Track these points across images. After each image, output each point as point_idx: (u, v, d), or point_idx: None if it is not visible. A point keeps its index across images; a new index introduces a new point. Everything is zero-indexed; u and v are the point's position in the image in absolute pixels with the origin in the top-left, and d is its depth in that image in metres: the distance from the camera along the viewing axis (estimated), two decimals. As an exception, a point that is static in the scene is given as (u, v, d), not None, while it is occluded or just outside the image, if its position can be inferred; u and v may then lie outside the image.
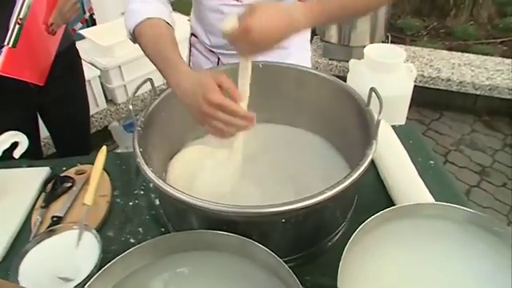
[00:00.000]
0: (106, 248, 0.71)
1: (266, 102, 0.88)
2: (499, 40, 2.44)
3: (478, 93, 1.87)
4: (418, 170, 0.81)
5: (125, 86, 1.75)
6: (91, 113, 1.72)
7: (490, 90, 1.85)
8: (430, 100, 2.16)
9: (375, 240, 0.58)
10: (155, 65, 0.73)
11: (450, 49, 2.37)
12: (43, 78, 1.02)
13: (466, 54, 2.06)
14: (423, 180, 0.79)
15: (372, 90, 0.67)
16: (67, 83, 1.14)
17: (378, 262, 0.58)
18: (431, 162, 0.89)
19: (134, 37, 0.78)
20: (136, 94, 0.68)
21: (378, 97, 0.64)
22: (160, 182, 0.56)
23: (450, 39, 2.53)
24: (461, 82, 1.87)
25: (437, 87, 1.94)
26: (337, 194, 0.55)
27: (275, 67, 0.86)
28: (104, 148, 0.70)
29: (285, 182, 0.74)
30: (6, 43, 0.87)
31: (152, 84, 0.73)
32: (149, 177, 0.57)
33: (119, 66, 1.69)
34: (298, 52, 1.00)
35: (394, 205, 0.76)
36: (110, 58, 1.68)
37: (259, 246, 0.51)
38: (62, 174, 0.86)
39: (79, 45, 1.62)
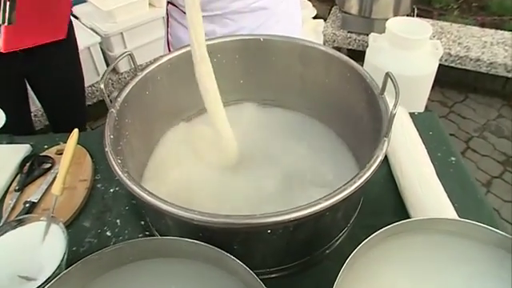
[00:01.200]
0: (81, 241, 0.65)
1: (263, 80, 0.78)
2: (539, 16, 2.21)
3: (509, 75, 1.71)
4: (436, 167, 0.71)
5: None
6: (91, 82, 1.64)
7: (524, 72, 1.68)
8: (455, 80, 2.00)
9: (379, 257, 0.50)
10: None
11: (482, 25, 2.17)
12: (63, 30, 0.94)
13: (500, 32, 1.87)
14: (441, 181, 0.69)
15: (388, 75, 0.56)
16: (56, 48, 1.05)
17: (380, 283, 0.49)
18: (452, 158, 0.78)
19: None
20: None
21: (395, 85, 0.53)
22: (128, 180, 0.48)
23: (484, 14, 2.31)
24: (491, 63, 1.70)
25: (464, 67, 1.77)
26: (336, 203, 0.46)
27: (277, 42, 0.75)
28: (75, 132, 0.62)
29: (281, 180, 0.64)
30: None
31: (133, 59, 0.63)
32: (115, 170, 0.49)
33: (121, 33, 1.59)
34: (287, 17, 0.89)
35: (405, 206, 0.67)
36: (112, 24, 1.58)
37: (229, 256, 0.43)
38: (41, 154, 0.79)
39: (79, 9, 1.53)
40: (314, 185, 0.65)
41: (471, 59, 1.74)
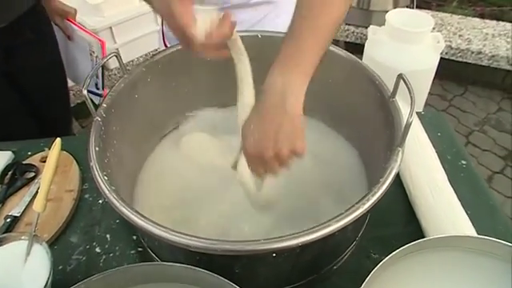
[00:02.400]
0: (67, 258, 0.60)
1: (261, 80, 0.73)
2: (539, 6, 2.17)
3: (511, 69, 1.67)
4: (446, 171, 0.67)
5: (117, 49, 1.58)
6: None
7: (526, 65, 1.64)
8: (454, 73, 1.95)
9: (398, 275, 0.45)
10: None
11: (481, 15, 2.12)
12: None
13: (502, 23, 1.82)
14: (452, 186, 0.64)
15: (401, 77, 0.52)
16: (38, 48, 0.99)
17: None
18: (463, 162, 0.74)
19: None
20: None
21: (410, 89, 0.49)
22: (116, 201, 0.43)
23: (483, 4, 2.27)
24: (493, 56, 1.66)
25: (465, 61, 1.73)
26: (348, 224, 0.41)
27: (276, 39, 0.70)
28: (57, 141, 0.57)
29: (286, 187, 0.60)
30: None
31: (119, 60, 0.57)
32: (102, 189, 0.44)
33: (110, 27, 1.52)
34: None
35: (416, 216, 0.62)
36: (100, 18, 1.50)
37: (230, 284, 0.39)
38: (24, 162, 0.74)
39: (64, 1, 1.44)
40: (321, 192, 0.61)
41: (472, 52, 1.69)
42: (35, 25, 0.95)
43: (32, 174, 0.71)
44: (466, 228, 0.57)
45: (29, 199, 0.67)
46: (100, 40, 1.01)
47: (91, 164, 0.47)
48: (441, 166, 0.66)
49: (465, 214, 0.59)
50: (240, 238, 0.54)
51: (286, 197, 0.60)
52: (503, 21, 1.97)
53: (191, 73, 0.70)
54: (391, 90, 0.55)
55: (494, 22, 1.84)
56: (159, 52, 0.65)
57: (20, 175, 0.70)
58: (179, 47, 0.66)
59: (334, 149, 0.67)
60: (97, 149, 0.49)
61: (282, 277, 0.50)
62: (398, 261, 0.45)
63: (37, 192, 0.67)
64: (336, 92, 0.67)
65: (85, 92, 0.50)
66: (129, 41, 1.59)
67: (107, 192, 0.43)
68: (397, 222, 0.63)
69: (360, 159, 0.65)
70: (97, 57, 1.03)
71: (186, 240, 0.38)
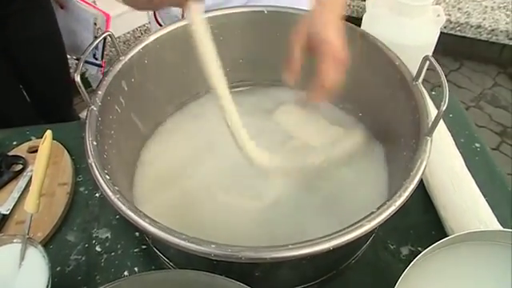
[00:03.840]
0: (65, 259, 0.55)
1: (266, 59, 0.68)
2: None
3: (511, 43, 1.63)
4: (461, 155, 0.64)
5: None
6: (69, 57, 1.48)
7: (526, 39, 1.61)
8: (450, 47, 1.91)
9: (426, 276, 0.43)
10: None
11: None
12: None
13: (502, -5, 1.78)
14: (469, 171, 0.62)
15: (427, 59, 0.47)
16: (32, 19, 0.90)
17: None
18: (477, 144, 0.71)
19: None
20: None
21: (440, 72, 0.44)
22: (123, 206, 0.38)
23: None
24: (493, 30, 1.62)
25: (464, 35, 1.69)
26: (377, 225, 0.38)
27: (283, 14, 0.64)
28: (48, 133, 0.51)
29: (298, 182, 0.56)
30: None
31: (113, 41, 0.51)
32: (105, 193, 0.39)
33: (94, 1, 1.42)
34: None
35: (433, 205, 0.60)
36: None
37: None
38: (10, 153, 0.68)
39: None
40: (340, 185, 0.57)
41: (472, 26, 1.65)
42: None
43: (20, 167, 0.65)
44: (488, 218, 0.54)
45: (18, 195, 0.61)
46: (105, 13, 0.96)
47: (90, 162, 0.42)
48: (458, 153, 0.63)
49: (485, 202, 0.57)
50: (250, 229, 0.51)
51: (299, 184, 0.57)
52: (502, -8, 1.92)
53: (190, 52, 0.64)
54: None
55: (493, -6, 1.79)
56: (156, 31, 0.59)
57: (6, 168, 0.65)
58: (176, 25, 0.60)
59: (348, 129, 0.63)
60: (95, 143, 0.43)
61: (303, 276, 0.47)
62: (434, 255, 0.42)
63: (26, 186, 0.62)
64: (348, 73, 0.63)
65: (77, 79, 0.44)
66: (115, 15, 1.49)
67: (113, 197, 0.38)
68: (414, 211, 0.60)
69: (379, 148, 0.61)
70: (99, 29, 0.98)
71: (207, 249, 0.34)
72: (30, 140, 0.70)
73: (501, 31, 1.60)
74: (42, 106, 0.99)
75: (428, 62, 0.48)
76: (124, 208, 0.37)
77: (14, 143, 0.70)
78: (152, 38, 0.57)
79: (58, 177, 0.64)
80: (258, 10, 0.63)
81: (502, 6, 1.67)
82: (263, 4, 0.64)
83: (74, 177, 0.65)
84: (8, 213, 0.59)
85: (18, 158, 0.66)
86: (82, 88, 0.44)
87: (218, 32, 0.62)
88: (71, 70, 1.07)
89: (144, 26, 1.60)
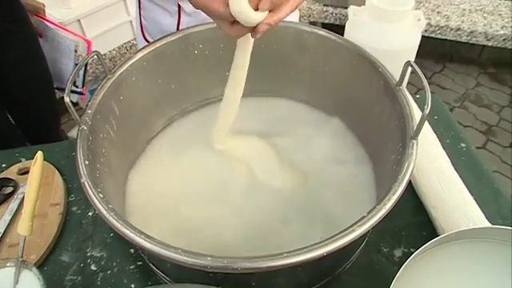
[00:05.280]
0: (61, 280, 0.55)
1: (252, 71, 0.69)
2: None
3: (490, 44, 1.68)
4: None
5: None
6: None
7: (504, 40, 1.65)
8: (431, 50, 1.96)
9: (420, 276, 0.44)
10: None
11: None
12: None
13: (478, -2, 1.83)
14: (456, 171, 0.63)
15: (409, 64, 0.49)
16: (15, 41, 0.90)
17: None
18: (462, 145, 0.73)
19: None
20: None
21: (422, 77, 0.46)
22: (115, 221, 0.38)
23: (456, -21, 2.26)
24: (472, 32, 1.66)
25: (444, 37, 1.73)
26: (369, 229, 0.38)
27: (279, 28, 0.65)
28: (39, 155, 0.51)
29: (291, 185, 0.57)
30: None
31: (100, 59, 0.52)
32: (100, 211, 0.39)
33: (78, 20, 1.42)
34: None
35: (423, 206, 0.61)
36: (67, 10, 1.40)
37: None
38: (0, 176, 0.67)
39: (26, -6, 1.34)
40: (327, 186, 0.58)
41: (451, 29, 1.69)
42: (10, 14, 0.86)
43: (10, 189, 0.65)
44: (477, 216, 0.55)
45: (9, 217, 0.61)
46: (86, 40, 0.97)
47: (82, 181, 0.42)
48: (444, 153, 0.64)
49: (473, 200, 0.58)
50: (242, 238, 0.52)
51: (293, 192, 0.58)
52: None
53: (178, 68, 0.65)
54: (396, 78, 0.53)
55: (470, -3, 1.85)
56: (143, 48, 0.59)
57: (-4, 191, 0.64)
58: (163, 41, 0.61)
59: (336, 141, 0.64)
60: (86, 162, 0.44)
61: (298, 284, 0.47)
62: (426, 255, 0.43)
63: (18, 209, 0.62)
64: (333, 81, 0.64)
65: (67, 99, 0.44)
66: (99, 33, 1.50)
67: (108, 215, 0.38)
68: (404, 213, 0.61)
69: (365, 152, 0.62)
70: (80, 55, 0.98)
71: (204, 261, 0.34)
72: (20, 162, 0.70)
73: (479, 33, 1.65)
74: (29, 127, 0.98)
75: (410, 67, 0.50)
76: (119, 226, 0.37)
77: (3, 166, 0.70)
78: (139, 55, 0.58)
79: (49, 197, 0.63)
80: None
81: (478, 8, 1.73)
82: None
83: (66, 197, 0.65)
84: (0, 236, 0.58)
85: (8, 180, 0.66)
86: (72, 108, 0.45)
87: (203, 47, 0.64)
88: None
89: (129, 42, 1.61)
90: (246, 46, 0.51)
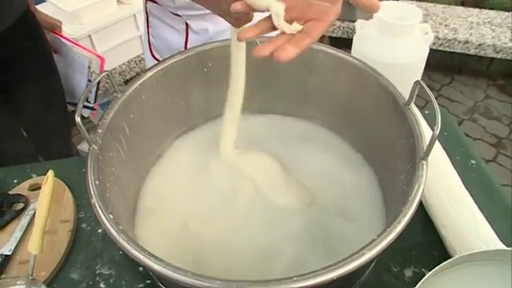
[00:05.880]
0: (69, 298, 0.55)
1: (260, 89, 0.69)
2: (517, -9, 2.18)
3: (499, 56, 1.67)
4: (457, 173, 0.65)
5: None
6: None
7: (512, 52, 1.65)
8: (440, 63, 1.96)
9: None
10: None
11: (462, 3, 2.13)
12: None
13: (485, 11, 1.83)
14: (466, 189, 0.62)
15: (419, 83, 0.49)
16: (31, 59, 0.92)
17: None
18: (472, 161, 0.72)
19: None
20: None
21: (432, 97, 0.46)
22: (125, 242, 0.38)
23: (463, -9, 2.27)
24: (480, 45, 1.66)
25: (453, 50, 1.73)
26: (380, 252, 0.38)
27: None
28: (50, 174, 0.52)
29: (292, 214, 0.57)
30: None
31: (111, 79, 0.53)
32: (110, 233, 0.40)
33: (89, 35, 1.45)
34: None
35: (433, 225, 0.60)
36: (78, 26, 1.43)
37: None
38: (11, 192, 0.68)
39: (39, 9, 1.37)
40: (334, 206, 0.58)
41: (459, 41, 1.69)
42: (27, 31, 0.89)
43: (21, 205, 0.66)
44: (489, 235, 0.55)
45: (20, 234, 0.61)
46: (99, 57, 0.99)
47: (93, 202, 0.42)
48: (455, 171, 0.64)
49: (484, 219, 0.57)
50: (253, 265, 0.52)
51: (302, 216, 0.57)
52: (483, 7, 1.98)
53: (187, 86, 0.66)
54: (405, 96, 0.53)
55: (477, 10, 1.85)
56: (152, 67, 0.60)
57: (8, 208, 0.65)
58: (172, 60, 0.62)
59: (343, 161, 0.64)
60: (97, 183, 0.44)
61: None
62: (438, 277, 0.42)
63: (28, 225, 0.63)
64: (343, 98, 0.64)
65: (78, 120, 0.45)
66: (110, 48, 1.53)
67: (118, 237, 0.39)
68: (414, 232, 0.60)
69: (373, 171, 0.62)
70: (93, 72, 1.00)
71: (213, 285, 0.34)
72: (31, 178, 0.71)
73: (488, 45, 1.65)
74: (41, 141, 1.00)
75: (418, 86, 0.50)
76: (129, 248, 0.38)
77: (15, 181, 0.71)
78: (149, 74, 0.59)
79: (59, 214, 0.64)
80: (250, 41, 0.65)
81: (486, 21, 1.73)
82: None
83: (76, 213, 0.65)
84: (11, 253, 0.59)
85: (19, 196, 0.66)
86: (83, 128, 0.45)
87: (212, 65, 0.65)
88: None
89: (139, 56, 1.63)
90: (238, 60, 0.53)
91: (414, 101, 0.51)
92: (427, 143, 0.45)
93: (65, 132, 1.09)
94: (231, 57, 0.55)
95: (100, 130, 0.50)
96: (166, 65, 0.61)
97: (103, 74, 0.52)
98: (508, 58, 1.68)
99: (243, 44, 0.54)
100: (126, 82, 1.52)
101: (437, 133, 0.42)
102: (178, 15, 0.74)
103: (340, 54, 0.61)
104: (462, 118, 1.82)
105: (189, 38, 0.76)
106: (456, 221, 0.56)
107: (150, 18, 0.80)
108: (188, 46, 0.76)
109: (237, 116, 0.59)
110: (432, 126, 0.70)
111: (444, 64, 1.99)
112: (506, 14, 1.77)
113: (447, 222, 0.57)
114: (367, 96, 0.59)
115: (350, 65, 0.60)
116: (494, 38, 1.65)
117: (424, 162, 0.45)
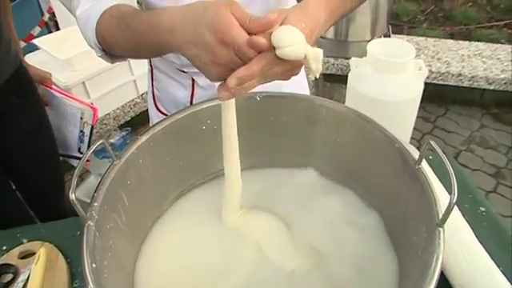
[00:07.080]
0: None
1: (260, 144, 0.67)
2: (503, 22, 2.25)
3: (491, 88, 1.69)
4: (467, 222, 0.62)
5: (92, 103, 1.49)
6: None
7: (505, 83, 1.67)
8: (434, 94, 1.97)
9: None
10: (137, 48, 0.51)
11: (451, 35, 2.18)
12: None
13: (475, 43, 1.87)
14: (478, 240, 0.60)
15: (431, 145, 0.47)
16: (25, 116, 0.91)
17: None
18: (482, 208, 0.70)
19: (99, 40, 0.55)
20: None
21: (446, 162, 0.44)
22: None
23: (450, 24, 2.34)
24: (473, 77, 1.68)
25: (446, 83, 1.75)
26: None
27: (277, 100, 0.65)
28: (42, 252, 0.48)
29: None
30: None
31: (106, 147, 0.50)
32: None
33: (83, 82, 1.44)
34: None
35: (448, 281, 0.57)
36: (72, 73, 1.42)
37: None
38: (0, 261, 0.64)
39: (33, 58, 1.37)
40: (344, 267, 0.55)
41: (453, 75, 1.71)
42: (20, 88, 0.87)
43: (10, 276, 0.61)
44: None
45: (9, 310, 0.57)
46: (92, 107, 0.98)
47: (89, 287, 0.39)
48: (466, 223, 0.61)
49: (502, 275, 0.55)
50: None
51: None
52: (471, 39, 2.02)
53: (185, 145, 0.64)
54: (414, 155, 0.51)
55: (467, 43, 1.89)
56: (149, 129, 0.58)
57: (-4, 280, 0.61)
58: (170, 120, 0.60)
59: (352, 217, 0.61)
60: (93, 265, 0.41)
61: None
62: None
63: (18, 299, 0.58)
64: (348, 152, 0.62)
65: (72, 197, 0.42)
66: (104, 93, 1.52)
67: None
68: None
69: (385, 232, 0.59)
70: (85, 122, 0.99)
71: None
72: (22, 243, 0.67)
73: (480, 77, 1.67)
74: (33, 198, 0.97)
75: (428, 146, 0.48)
76: None
77: (4, 248, 0.67)
78: (145, 137, 0.57)
79: (53, 284, 0.60)
80: (250, 97, 0.64)
81: (477, 53, 1.76)
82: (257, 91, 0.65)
83: (71, 283, 0.61)
84: (-2, 335, 0.54)
85: (8, 266, 0.62)
86: (79, 206, 0.43)
87: (211, 122, 0.63)
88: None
89: (133, 100, 1.63)
90: (229, 120, 0.52)
91: (422, 157, 0.49)
92: (441, 206, 0.43)
93: (57, 189, 1.06)
94: (222, 117, 0.53)
95: (96, 204, 0.48)
96: (163, 126, 0.59)
97: (99, 144, 0.50)
98: (501, 88, 1.70)
99: (232, 103, 0.52)
100: (121, 127, 1.50)
101: (454, 200, 0.40)
102: (183, 71, 0.73)
103: (343, 108, 0.59)
104: (460, 149, 1.81)
105: (195, 92, 0.74)
106: (473, 278, 0.53)
107: (154, 71, 0.79)
108: (194, 101, 0.75)
109: (238, 183, 0.56)
110: (436, 172, 0.68)
111: (438, 95, 2.00)
112: (495, 45, 1.81)
113: (463, 281, 0.54)
114: (373, 151, 0.57)
115: (353, 120, 0.59)
116: (485, 70, 1.68)
117: (441, 229, 0.43)
